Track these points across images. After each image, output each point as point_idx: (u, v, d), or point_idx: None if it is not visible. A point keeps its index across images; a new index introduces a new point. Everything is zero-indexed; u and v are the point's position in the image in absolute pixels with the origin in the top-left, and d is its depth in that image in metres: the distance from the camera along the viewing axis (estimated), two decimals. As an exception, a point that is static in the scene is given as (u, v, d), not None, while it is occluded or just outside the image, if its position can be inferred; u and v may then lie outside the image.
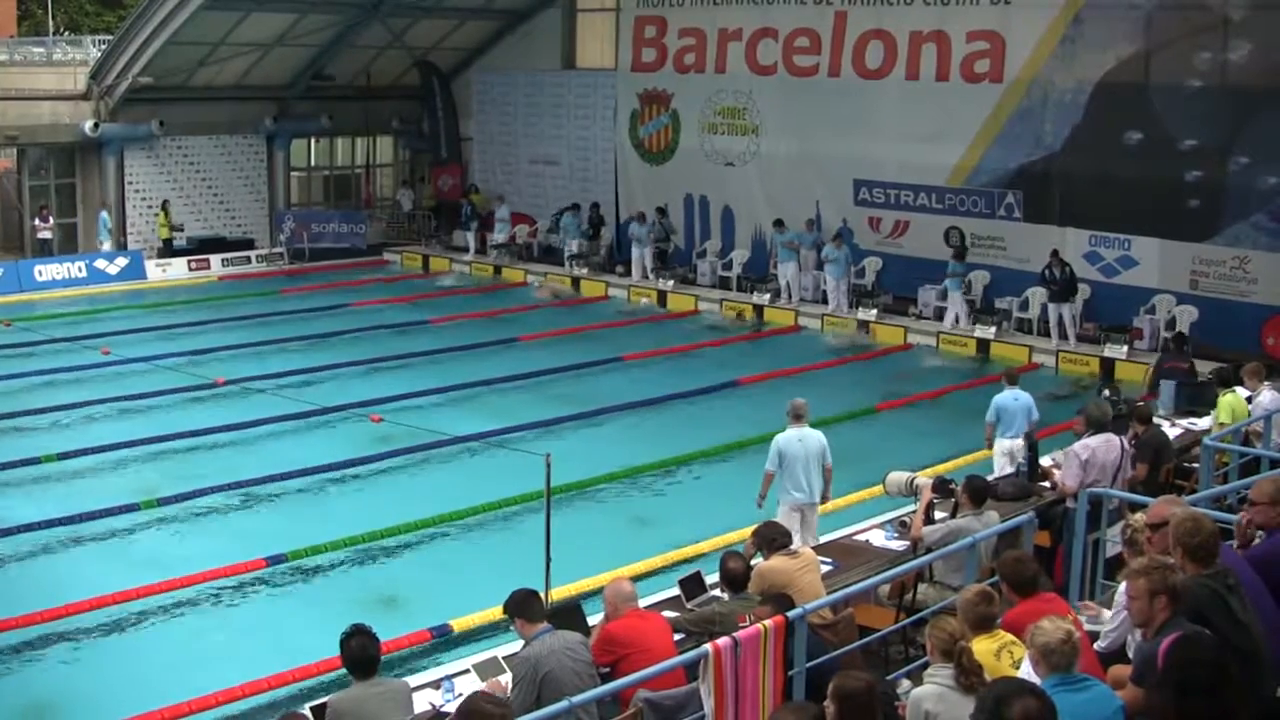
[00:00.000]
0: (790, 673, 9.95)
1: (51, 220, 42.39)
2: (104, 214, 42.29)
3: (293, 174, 48.47)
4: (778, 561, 12.46)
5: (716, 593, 13.00)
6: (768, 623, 9.82)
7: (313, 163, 50.78)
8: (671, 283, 38.77)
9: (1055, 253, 31.30)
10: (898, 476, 15.51)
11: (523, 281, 41.80)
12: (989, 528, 13.50)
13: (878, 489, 19.86)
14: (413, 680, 11.17)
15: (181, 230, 43.58)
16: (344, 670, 9.97)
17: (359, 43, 45.22)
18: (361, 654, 9.79)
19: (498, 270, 43.06)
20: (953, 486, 14.78)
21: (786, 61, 37.90)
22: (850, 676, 8.00)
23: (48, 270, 40.38)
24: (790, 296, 36.14)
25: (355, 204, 49.81)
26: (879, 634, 12.75)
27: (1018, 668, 8.79)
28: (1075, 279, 31.25)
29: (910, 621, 12.69)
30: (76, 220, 43.91)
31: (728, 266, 38.82)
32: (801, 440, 16.84)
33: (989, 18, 33.64)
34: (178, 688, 14.21)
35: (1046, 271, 31.22)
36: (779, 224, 36.66)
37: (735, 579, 12.29)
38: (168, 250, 42.88)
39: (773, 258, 37.03)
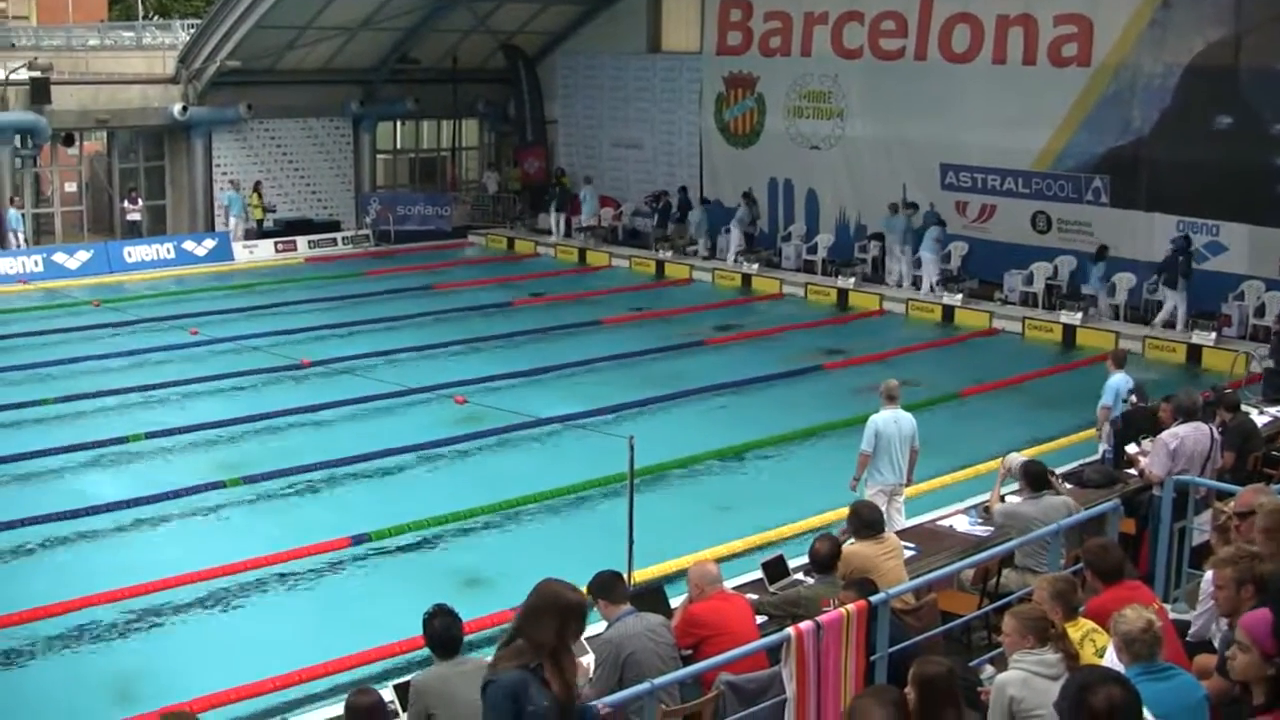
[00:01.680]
0: (872, 658, 9.92)
1: (140, 202, 42.85)
2: (232, 193, 42.90)
3: (378, 156, 48.74)
4: (861, 546, 12.43)
5: (799, 576, 12.97)
6: (850, 607, 9.80)
7: (398, 145, 50.99)
8: (756, 266, 38.69)
9: (1188, 238, 31.07)
10: (1013, 458, 15.41)
11: (607, 264, 41.84)
12: (1045, 514, 13.41)
13: (961, 474, 19.93)
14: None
15: (273, 211, 43.96)
16: (426, 650, 9.99)
17: (444, 26, 45.29)
18: (445, 634, 9.81)
19: (582, 253, 43.12)
20: (1052, 476, 14.63)
21: (872, 45, 37.73)
22: (930, 662, 7.97)
23: (136, 251, 40.76)
24: (915, 283, 35.85)
25: (440, 187, 49.95)
26: (962, 620, 12.69)
27: (1101, 656, 8.73)
28: (1190, 263, 30.91)
29: (994, 607, 12.60)
30: (165, 202, 44.32)
31: (812, 250, 38.68)
32: (896, 422, 16.79)
33: (1076, 1, 33.35)
34: (261, 665, 14.32)
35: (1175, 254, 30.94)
36: (913, 207, 36.52)
37: (823, 561, 12.26)
38: (259, 232, 43.32)
39: (899, 243, 36.58)
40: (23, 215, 39.51)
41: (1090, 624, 9.34)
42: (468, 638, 11.25)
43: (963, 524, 15.20)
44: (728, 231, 39.93)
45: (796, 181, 40.20)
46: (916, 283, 35.40)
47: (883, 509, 14.99)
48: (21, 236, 39.20)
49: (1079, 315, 31.96)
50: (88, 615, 16.01)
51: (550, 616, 7.52)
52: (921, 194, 36.66)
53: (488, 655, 11.24)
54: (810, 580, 12.55)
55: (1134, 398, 18.11)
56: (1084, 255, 33.33)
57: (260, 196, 43.55)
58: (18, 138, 40.11)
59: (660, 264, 40.73)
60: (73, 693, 14.45)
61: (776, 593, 12.67)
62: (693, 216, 41.43)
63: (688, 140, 43.53)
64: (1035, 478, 14.08)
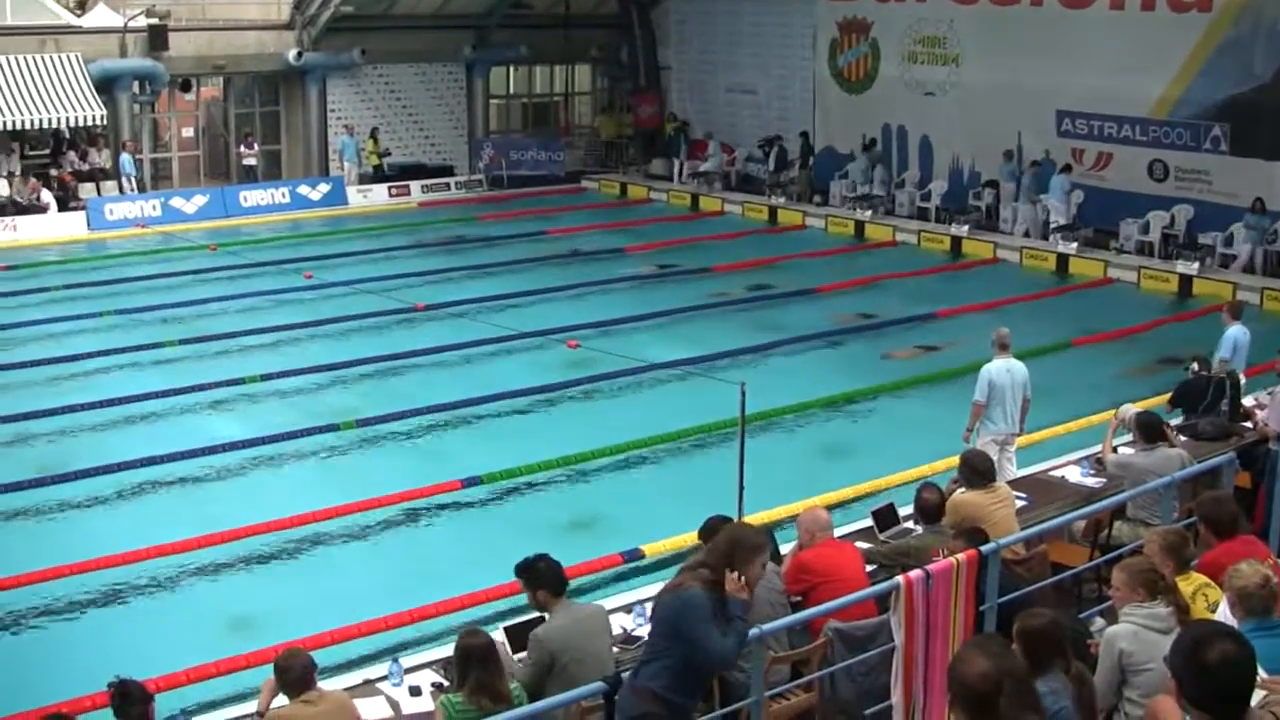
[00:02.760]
0: (981, 608, 9.88)
1: (256, 147, 43.26)
2: (346, 138, 43.17)
3: (491, 102, 48.86)
4: (972, 495, 12.37)
5: (909, 525, 12.95)
6: (960, 557, 9.77)
7: (511, 90, 51.10)
8: (870, 213, 38.46)
9: None
10: (1127, 409, 15.27)
11: (719, 211, 41.75)
12: (1159, 466, 13.28)
13: (1073, 424, 19.75)
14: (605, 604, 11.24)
15: (388, 156, 44.24)
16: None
17: (557, -28, 45.32)
18: (555, 573, 9.94)
19: (695, 199, 43.03)
20: (1166, 428, 14.47)
21: (988, -11, 37.29)
22: (1034, 615, 7.94)
23: (252, 196, 41.20)
24: (1028, 231, 35.45)
25: (553, 132, 50.03)
26: (1072, 571, 12.59)
27: (1213, 611, 8.67)
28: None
29: (1105, 560, 12.49)
30: (280, 147, 44.74)
31: (926, 197, 38.41)
32: (1009, 371, 16.63)
33: (1198, -56, 32.81)
34: (373, 604, 14.49)
35: None
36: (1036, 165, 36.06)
37: (930, 511, 12.24)
38: (373, 177, 43.62)
39: (1014, 191, 36.23)
40: (136, 160, 39.97)
41: (1203, 578, 9.27)
42: (577, 581, 11.35)
43: (1074, 475, 15.10)
44: (841, 178, 39.72)
45: (910, 128, 39.84)
46: (1030, 231, 35.04)
47: (994, 459, 14.92)
48: (134, 181, 39.66)
49: (1195, 265, 31.53)
50: (206, 555, 16.26)
51: (733, 551, 8.43)
52: (1037, 141, 36.22)
53: (599, 600, 11.36)
54: (919, 529, 12.51)
55: (1196, 366, 17.66)
56: (1202, 204, 32.87)
57: (376, 142, 43.83)
58: (136, 84, 40.66)
59: (773, 210, 40.57)
60: (191, 627, 14.69)
61: (886, 541, 12.66)
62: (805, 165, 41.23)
63: (801, 86, 43.24)
64: (1149, 429, 13.93)
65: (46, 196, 38.51)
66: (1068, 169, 34.84)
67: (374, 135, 43.97)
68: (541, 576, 9.94)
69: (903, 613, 9.34)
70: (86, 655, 13.92)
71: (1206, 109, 32.90)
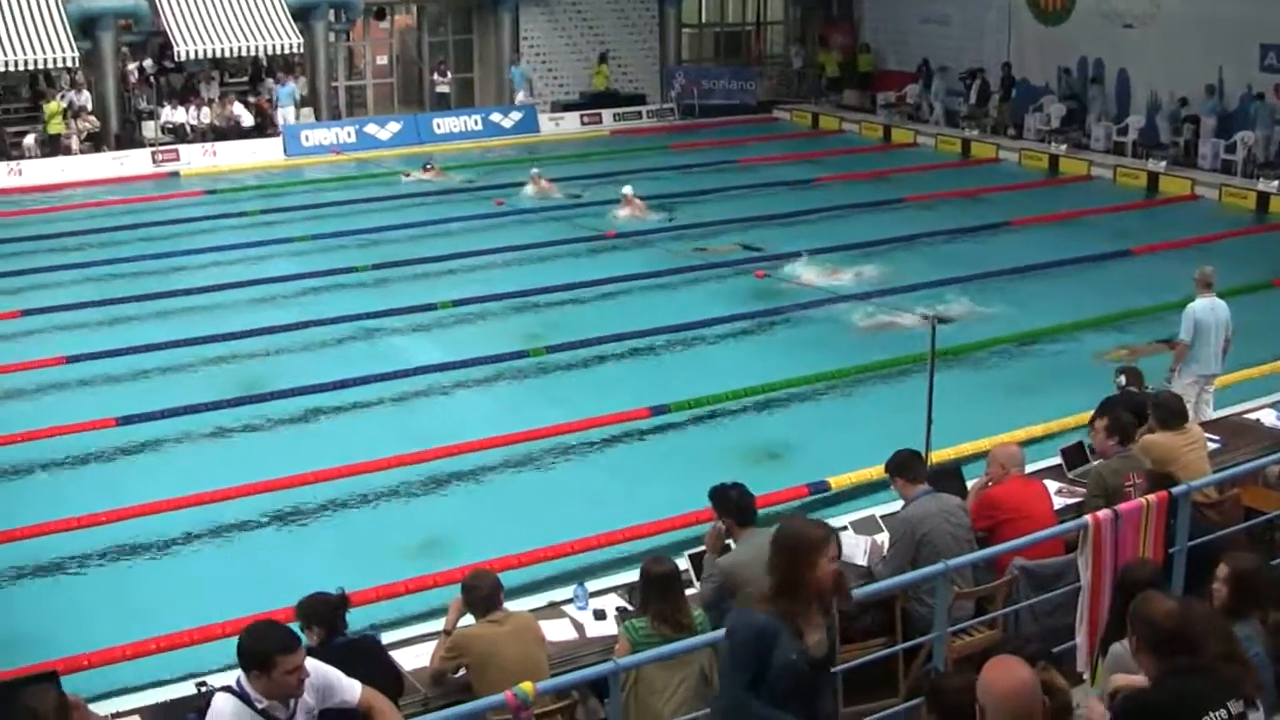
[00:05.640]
0: (1171, 550, 9.77)
1: (449, 75, 43.63)
2: (515, 68, 43.41)
3: (684, 30, 48.78)
4: (1163, 436, 12.16)
5: (1097, 463, 12.77)
6: (1150, 497, 9.66)
7: (703, 19, 50.98)
8: (1064, 147, 37.82)
9: None
10: None
11: (912, 143, 41.38)
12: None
13: (1270, 367, 19.29)
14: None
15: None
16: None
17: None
18: (745, 503, 10.00)
19: (888, 130, 42.64)
20: None
21: (1192, -84, 36.32)
22: (1243, 557, 7.87)
23: (445, 123, 41.66)
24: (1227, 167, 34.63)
25: (745, 61, 49.84)
26: (1265, 517, 12.33)
27: None
28: None
29: (1302, 505, 12.28)
30: (473, 75, 45.10)
31: (1122, 132, 37.62)
32: (1213, 310, 16.25)
33: None
34: (565, 527, 14.65)
35: None
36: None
37: (1126, 430, 11.96)
38: (605, 100, 44.36)
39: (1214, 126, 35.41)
40: (295, 92, 40.52)
41: None
42: (763, 511, 11.38)
43: (1270, 418, 14.79)
44: (1036, 111, 39.13)
45: (1107, 60, 39.01)
46: (1229, 167, 34.23)
47: (1193, 399, 14.67)
48: (293, 114, 40.18)
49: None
50: (396, 476, 16.57)
51: (795, 556, 7.07)
52: (1239, 76, 35.30)
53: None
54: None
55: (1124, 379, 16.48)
56: None
57: (605, 66, 44.29)
58: (332, 12, 41.23)
59: (966, 143, 40.09)
60: (380, 547, 14.97)
61: (1075, 479, 12.53)
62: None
63: (996, 16, 42.49)
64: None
65: (240, 110, 39.38)
66: (1259, 98, 33.95)
67: (603, 59, 44.54)
68: (731, 504, 10.04)
69: (1090, 552, 9.26)
70: (282, 567, 14.29)
71: None
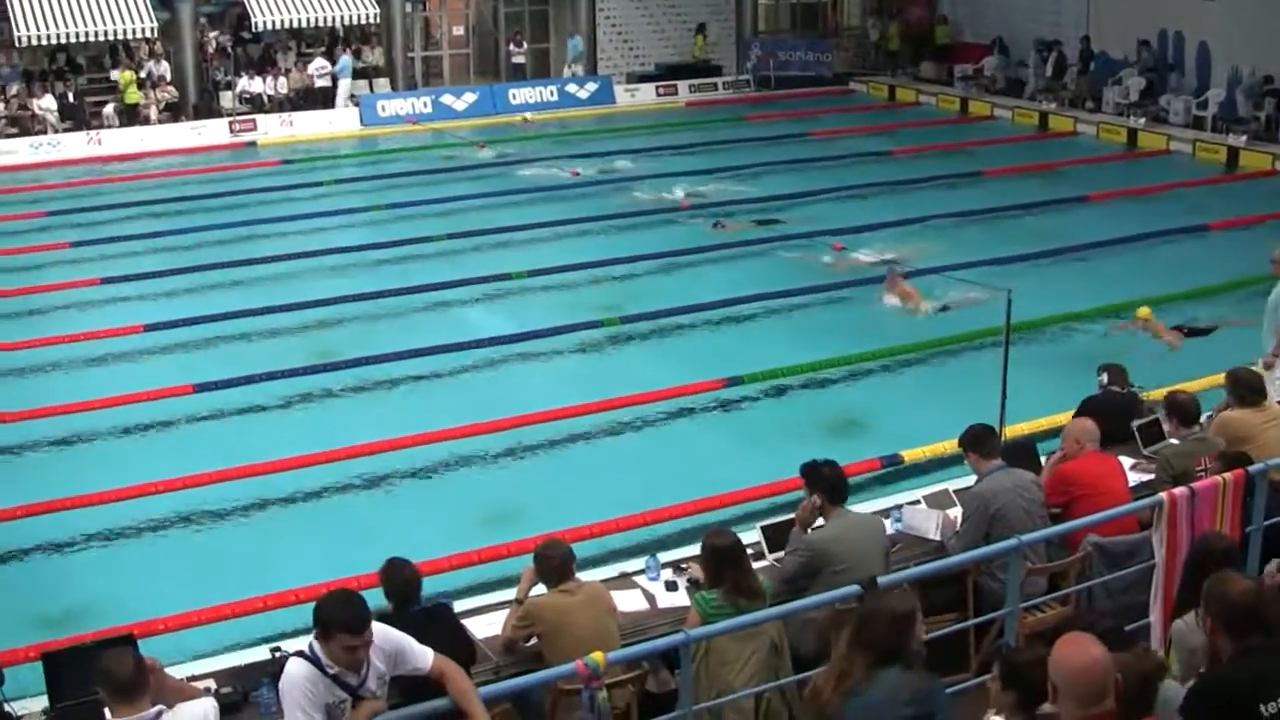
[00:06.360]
0: (1247, 529, 9.66)
1: (525, 45, 43.66)
2: (573, 40, 43.35)
3: (760, 2, 48.60)
4: (1241, 413, 11.98)
5: (1172, 441, 12.63)
6: (1227, 476, 9.55)
7: (780, -9, 50.84)
8: (1143, 121, 37.45)
9: None
10: None
11: (989, 115, 41.04)
12: None
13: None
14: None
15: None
16: (794, 494, 10.13)
17: None
18: (836, 481, 9.99)
19: (964, 103, 42.36)
20: None
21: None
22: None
23: (520, 94, 41.73)
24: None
25: (821, 33, 49.62)
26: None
27: None
28: None
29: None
30: (549, 45, 45.11)
31: (1202, 106, 37.16)
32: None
33: None
34: (639, 498, 14.65)
35: None
36: None
37: (1188, 412, 11.86)
38: (681, 71, 44.47)
39: None
40: (350, 65, 40.58)
41: None
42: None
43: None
44: (1115, 84, 38.74)
45: (1187, 33, 38.51)
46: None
47: (1274, 378, 14.46)
48: (348, 85, 40.27)
49: None
50: (469, 445, 16.59)
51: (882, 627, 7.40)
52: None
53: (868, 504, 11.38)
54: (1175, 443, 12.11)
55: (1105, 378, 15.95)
56: None
57: (704, 38, 44.35)
58: (408, -17, 41.32)
59: (1043, 116, 39.75)
60: (454, 516, 15.03)
61: (1150, 456, 12.40)
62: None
63: (1075, -12, 42.10)
64: None
65: (319, 70, 39.68)
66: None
67: (702, 29, 44.38)
68: (823, 481, 10.04)
69: (1164, 530, 9.19)
70: (352, 536, 14.36)
71: None
